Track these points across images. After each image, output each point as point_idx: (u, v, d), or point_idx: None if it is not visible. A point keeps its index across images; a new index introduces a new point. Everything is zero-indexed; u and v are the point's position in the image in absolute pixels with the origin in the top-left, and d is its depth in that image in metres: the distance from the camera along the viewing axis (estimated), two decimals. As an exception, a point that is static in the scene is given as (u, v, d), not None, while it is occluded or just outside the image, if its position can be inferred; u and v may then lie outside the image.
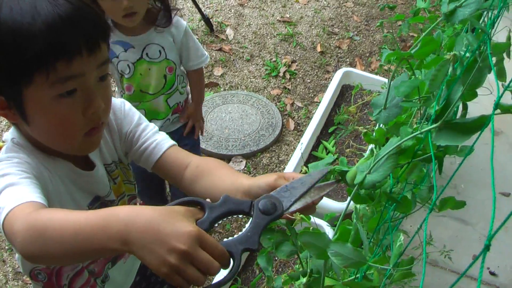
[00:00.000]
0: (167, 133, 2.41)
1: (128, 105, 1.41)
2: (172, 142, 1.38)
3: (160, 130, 2.34)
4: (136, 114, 1.41)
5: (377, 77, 3.62)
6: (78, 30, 1.03)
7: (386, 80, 3.49)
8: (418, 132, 0.85)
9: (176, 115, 2.42)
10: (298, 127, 3.63)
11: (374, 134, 1.20)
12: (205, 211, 0.90)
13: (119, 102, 1.39)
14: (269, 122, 3.61)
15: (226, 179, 1.16)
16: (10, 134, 1.20)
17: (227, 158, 3.32)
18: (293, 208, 0.97)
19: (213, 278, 0.89)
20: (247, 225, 0.91)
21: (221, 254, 0.83)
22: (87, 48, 1.03)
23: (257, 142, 3.47)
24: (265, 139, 3.49)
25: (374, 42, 4.39)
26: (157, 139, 1.36)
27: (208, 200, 0.92)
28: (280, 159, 3.40)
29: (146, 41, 2.18)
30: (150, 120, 2.29)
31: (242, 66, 4.10)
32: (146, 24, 2.14)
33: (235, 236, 0.88)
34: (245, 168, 3.31)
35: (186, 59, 2.31)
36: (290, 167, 2.88)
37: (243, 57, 4.19)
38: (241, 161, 3.34)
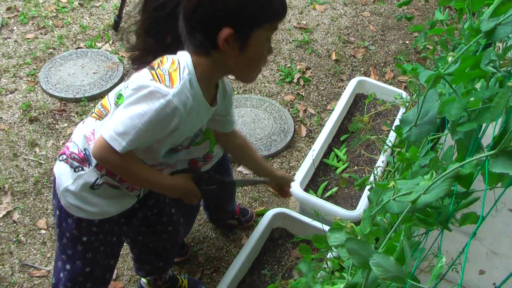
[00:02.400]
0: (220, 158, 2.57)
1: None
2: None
3: (219, 152, 2.45)
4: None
5: (391, 87, 3.62)
6: None
7: (400, 91, 3.50)
8: (477, 157, 0.85)
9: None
10: (310, 134, 3.63)
11: (407, 153, 1.20)
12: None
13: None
14: (281, 128, 3.62)
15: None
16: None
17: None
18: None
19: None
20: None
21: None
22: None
23: (269, 147, 3.47)
24: (277, 144, 3.50)
25: (389, 53, 4.39)
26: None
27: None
28: (290, 165, 3.40)
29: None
30: (214, 147, 2.43)
31: (256, 70, 4.11)
32: None
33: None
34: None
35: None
36: (301, 173, 2.89)
37: (258, 61, 4.19)
38: (252, 165, 3.35)
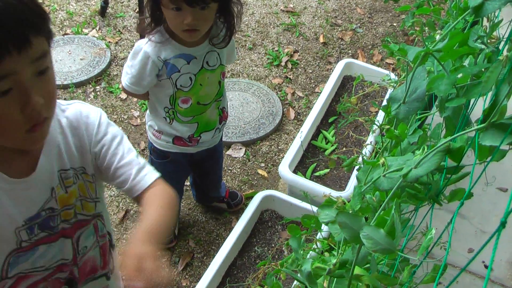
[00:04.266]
0: (214, 146, 2.49)
1: (105, 116, 1.37)
2: (155, 176, 1.39)
3: (210, 140, 2.41)
4: (110, 130, 1.37)
5: (379, 69, 3.63)
6: (2, 30, 0.96)
7: (387, 72, 3.50)
8: (468, 130, 0.85)
9: (223, 123, 2.43)
10: (298, 117, 3.63)
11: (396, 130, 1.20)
12: None
13: (95, 111, 1.36)
14: (269, 111, 3.61)
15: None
16: None
17: (226, 145, 3.32)
18: None
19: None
20: None
21: None
22: (16, 46, 0.98)
23: (257, 130, 3.47)
24: (265, 127, 3.50)
25: (377, 35, 4.39)
26: (141, 172, 1.36)
27: None
28: (279, 147, 3.40)
29: (207, 50, 2.14)
30: (201, 132, 2.32)
31: (244, 54, 4.10)
32: (205, 33, 2.08)
33: None
34: (245, 156, 3.32)
35: (227, 59, 2.30)
36: (289, 155, 2.89)
37: (245, 45, 4.18)
38: (241, 148, 3.35)
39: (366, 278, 1.02)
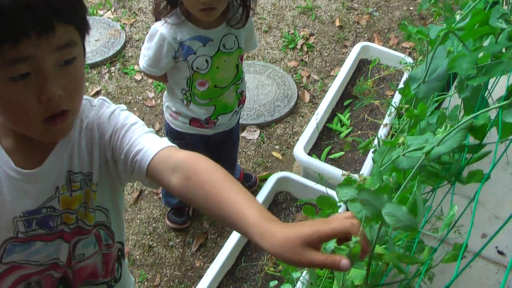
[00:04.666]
0: (231, 128, 2.48)
1: (121, 108, 1.26)
2: (165, 144, 1.16)
3: (227, 123, 2.41)
4: (123, 115, 1.24)
5: (395, 52, 3.61)
6: (25, 11, 0.94)
7: (403, 55, 3.48)
8: (491, 107, 0.85)
9: (241, 106, 2.43)
10: (314, 100, 3.63)
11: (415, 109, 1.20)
12: None
13: (113, 107, 1.26)
14: (284, 93, 3.61)
15: (235, 204, 0.96)
16: None
17: (241, 127, 3.33)
18: None
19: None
20: None
21: None
22: (36, 30, 0.95)
23: (272, 112, 3.47)
24: (280, 110, 3.49)
25: (393, 19, 4.36)
26: (148, 144, 1.16)
27: None
28: (294, 130, 3.40)
29: (224, 32, 2.13)
30: (218, 115, 2.31)
31: (259, 37, 4.09)
32: (222, 16, 2.09)
33: None
34: (259, 138, 3.32)
35: (247, 45, 2.29)
36: (304, 137, 2.89)
37: (261, 28, 4.17)
38: (255, 130, 3.35)
39: (387, 256, 1.02)
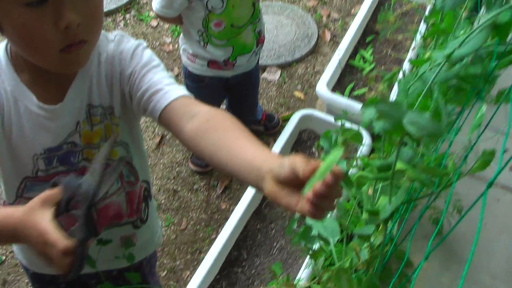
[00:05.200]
0: (250, 69, 2.43)
1: (143, 45, 1.22)
2: (186, 92, 1.13)
3: (246, 64, 2.35)
4: (146, 55, 1.19)
5: (418, -16, 3.50)
6: None
7: (426, -11, 3.37)
8: None
9: (260, 46, 2.36)
10: (335, 39, 3.54)
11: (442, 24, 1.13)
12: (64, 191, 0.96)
13: (133, 42, 1.21)
14: (304, 33, 3.53)
15: (245, 151, 0.93)
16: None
17: (261, 68, 3.27)
18: (101, 192, 0.97)
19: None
20: None
21: (63, 250, 0.89)
22: None
23: (292, 52, 3.40)
24: (301, 49, 3.42)
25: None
26: (169, 87, 1.13)
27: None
28: (315, 69, 3.33)
29: None
30: (237, 56, 2.25)
31: (277, -23, 4.00)
32: None
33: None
34: (280, 78, 3.26)
35: None
36: (327, 74, 2.83)
37: (278, -33, 4.07)
38: (276, 71, 3.29)
39: (409, 171, 0.97)
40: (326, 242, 1.40)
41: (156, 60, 1.19)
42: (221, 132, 0.99)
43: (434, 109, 0.91)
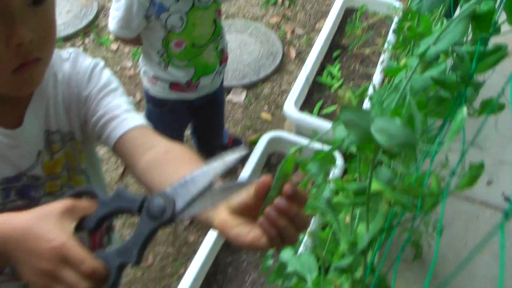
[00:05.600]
0: (214, 90, 2.30)
1: (101, 65, 1.14)
2: (144, 122, 1.06)
3: (210, 85, 2.22)
4: (104, 76, 1.11)
5: (383, -2, 3.43)
6: None
7: (392, 0, 3.31)
8: None
9: (223, 65, 2.26)
10: (300, 55, 3.45)
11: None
12: (98, 205, 0.77)
13: (90, 61, 1.12)
14: (269, 51, 3.42)
15: (181, 172, 0.82)
16: None
17: (226, 90, 3.15)
18: (189, 214, 0.76)
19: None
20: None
21: (89, 272, 0.69)
22: None
23: (257, 71, 3.29)
24: (266, 68, 3.32)
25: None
26: (127, 114, 1.06)
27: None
28: (282, 88, 3.23)
29: None
30: (200, 77, 2.12)
31: (238, -5, 3.90)
32: None
33: (116, 245, 0.74)
34: (246, 99, 3.15)
35: None
36: (294, 93, 2.72)
37: (239, -15, 3.98)
38: (242, 92, 3.18)
39: (387, 193, 0.84)
40: (303, 279, 1.27)
41: (115, 82, 1.12)
42: (178, 165, 0.91)
43: (407, 115, 0.78)
